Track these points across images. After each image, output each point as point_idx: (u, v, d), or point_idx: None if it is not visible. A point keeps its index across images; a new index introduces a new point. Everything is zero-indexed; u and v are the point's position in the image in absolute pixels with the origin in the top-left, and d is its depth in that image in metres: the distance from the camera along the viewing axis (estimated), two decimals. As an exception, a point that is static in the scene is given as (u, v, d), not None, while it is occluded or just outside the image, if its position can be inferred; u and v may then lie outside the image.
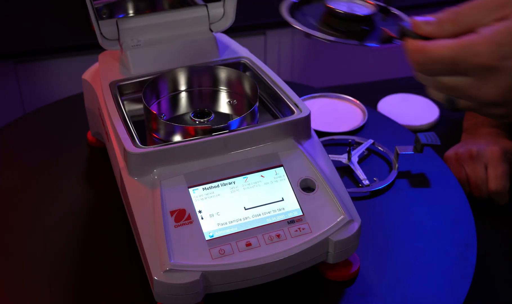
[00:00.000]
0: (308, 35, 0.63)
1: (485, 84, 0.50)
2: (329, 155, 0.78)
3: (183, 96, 0.81)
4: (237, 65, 0.83)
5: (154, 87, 0.78)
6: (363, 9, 0.63)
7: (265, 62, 1.59)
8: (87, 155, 0.92)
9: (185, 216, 0.65)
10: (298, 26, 0.62)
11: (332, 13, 0.63)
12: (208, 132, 0.70)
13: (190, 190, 0.66)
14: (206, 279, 0.62)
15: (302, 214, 0.66)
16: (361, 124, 0.99)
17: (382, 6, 0.64)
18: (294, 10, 0.65)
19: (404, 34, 0.58)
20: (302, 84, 1.16)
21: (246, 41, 1.49)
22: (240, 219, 0.65)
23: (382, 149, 0.93)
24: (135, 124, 0.72)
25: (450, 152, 0.99)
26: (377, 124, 1.00)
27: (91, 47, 1.43)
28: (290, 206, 0.67)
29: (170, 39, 0.83)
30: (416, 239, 0.76)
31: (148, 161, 0.67)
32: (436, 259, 0.73)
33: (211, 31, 0.86)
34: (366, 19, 0.63)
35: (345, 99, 1.07)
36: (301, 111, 0.72)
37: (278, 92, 0.76)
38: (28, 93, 1.49)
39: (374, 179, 0.87)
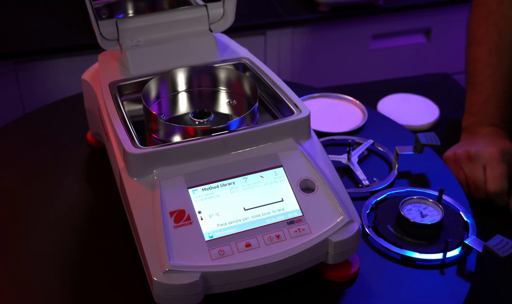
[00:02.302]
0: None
1: None
2: (329, 155, 0.78)
3: (183, 96, 0.81)
4: (237, 65, 0.83)
5: (154, 87, 0.78)
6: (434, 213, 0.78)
7: (265, 62, 1.59)
8: (87, 155, 0.92)
9: (185, 216, 0.65)
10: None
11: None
12: (207, 132, 0.70)
13: (190, 190, 0.66)
14: (205, 280, 0.62)
15: (301, 214, 0.66)
16: (361, 124, 0.99)
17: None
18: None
19: (489, 252, 0.71)
20: (302, 84, 1.16)
21: (246, 41, 1.49)
22: (240, 220, 0.65)
23: (382, 149, 0.93)
24: (134, 124, 0.72)
25: (449, 153, 0.99)
26: (377, 124, 1.00)
27: (91, 47, 1.44)
28: (290, 207, 0.67)
29: (170, 39, 0.83)
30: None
31: (147, 161, 0.67)
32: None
33: (211, 31, 0.85)
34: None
35: (345, 99, 1.07)
36: (300, 112, 0.72)
37: (278, 92, 0.76)
38: (28, 93, 1.49)
39: (374, 179, 0.87)
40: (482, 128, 1.02)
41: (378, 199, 0.82)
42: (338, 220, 0.66)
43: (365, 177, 0.86)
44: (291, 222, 0.66)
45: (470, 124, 1.04)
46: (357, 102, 1.05)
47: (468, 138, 1.02)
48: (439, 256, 0.73)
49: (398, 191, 0.83)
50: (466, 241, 0.74)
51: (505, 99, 1.03)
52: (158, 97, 0.79)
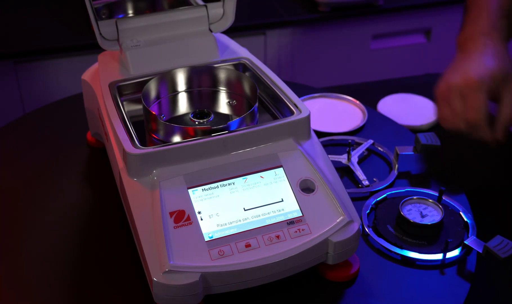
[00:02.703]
0: None
1: None
2: (329, 156, 0.78)
3: (183, 96, 0.81)
4: (237, 66, 0.83)
5: (154, 87, 0.78)
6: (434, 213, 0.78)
7: (265, 62, 1.59)
8: (87, 155, 0.92)
9: (185, 217, 0.65)
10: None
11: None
12: (207, 132, 0.70)
13: (190, 191, 0.66)
14: (205, 280, 0.62)
15: (301, 215, 0.66)
16: (361, 124, 0.99)
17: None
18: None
19: (489, 253, 0.72)
20: (302, 84, 1.16)
21: (246, 41, 1.49)
22: (240, 220, 0.65)
23: (382, 150, 0.93)
24: (134, 124, 0.72)
25: (437, 86, 0.92)
26: (377, 124, 1.00)
27: (91, 47, 1.43)
28: (290, 207, 0.67)
29: (169, 39, 0.83)
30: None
31: (147, 162, 0.67)
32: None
33: (211, 31, 0.85)
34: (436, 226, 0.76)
35: (345, 99, 1.07)
36: (300, 112, 0.72)
37: (278, 92, 0.76)
38: (28, 93, 1.49)
39: (374, 179, 0.87)
40: (472, 43, 0.94)
41: (378, 199, 0.82)
42: (338, 220, 0.66)
43: (365, 177, 0.86)
44: (291, 222, 0.66)
45: (462, 39, 0.97)
46: (357, 102, 1.05)
47: (460, 58, 0.94)
48: (439, 256, 0.73)
49: (398, 191, 0.83)
50: (466, 242, 0.74)
51: (498, 10, 0.96)
52: (158, 97, 0.79)
